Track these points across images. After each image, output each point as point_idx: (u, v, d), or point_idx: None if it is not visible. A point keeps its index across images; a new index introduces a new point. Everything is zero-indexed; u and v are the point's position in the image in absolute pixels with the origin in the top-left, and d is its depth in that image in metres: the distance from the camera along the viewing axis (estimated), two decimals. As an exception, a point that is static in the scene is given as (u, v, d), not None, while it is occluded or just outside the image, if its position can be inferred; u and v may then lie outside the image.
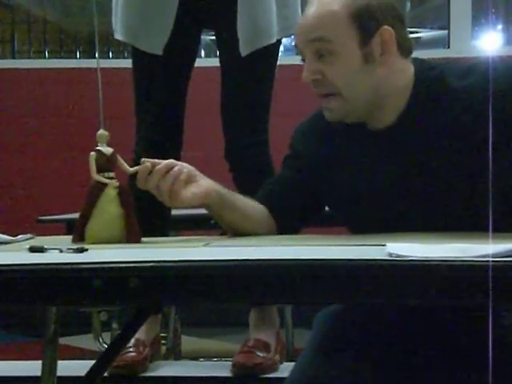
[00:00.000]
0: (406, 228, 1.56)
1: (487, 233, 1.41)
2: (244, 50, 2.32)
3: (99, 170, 1.58)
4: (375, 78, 1.59)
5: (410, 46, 1.63)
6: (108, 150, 1.59)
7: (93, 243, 1.53)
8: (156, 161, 1.59)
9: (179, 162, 1.61)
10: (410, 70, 1.63)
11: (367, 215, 1.64)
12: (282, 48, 2.54)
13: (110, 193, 1.58)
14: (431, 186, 1.59)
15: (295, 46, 1.65)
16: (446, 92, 1.59)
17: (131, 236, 1.57)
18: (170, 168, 1.58)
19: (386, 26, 1.57)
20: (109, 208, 1.57)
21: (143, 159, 1.59)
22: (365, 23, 1.57)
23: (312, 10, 1.61)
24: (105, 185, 1.57)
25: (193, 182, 1.60)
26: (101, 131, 1.60)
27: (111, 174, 1.59)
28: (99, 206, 1.58)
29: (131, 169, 1.62)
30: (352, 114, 1.61)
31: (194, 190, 1.59)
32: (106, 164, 1.58)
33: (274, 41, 2.36)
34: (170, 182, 1.57)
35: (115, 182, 1.58)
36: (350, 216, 1.70)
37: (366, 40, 1.57)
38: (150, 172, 1.59)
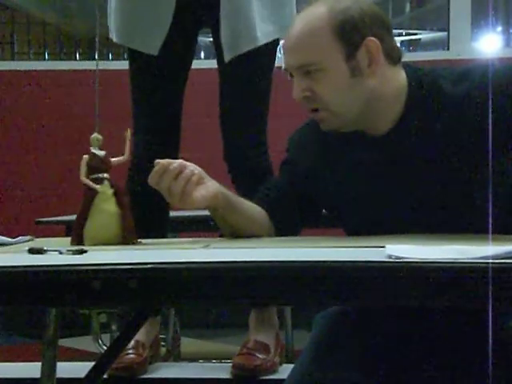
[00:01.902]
0: (403, 233, 1.56)
1: (486, 235, 1.41)
2: (226, 57, 2.33)
3: (93, 172, 1.58)
4: (365, 90, 1.58)
5: (399, 53, 1.62)
6: (101, 153, 1.60)
7: (92, 244, 1.54)
8: (170, 161, 1.59)
9: (189, 163, 1.61)
10: (402, 76, 1.62)
11: (365, 220, 1.64)
12: (280, 48, 2.54)
13: (106, 192, 1.58)
14: (429, 191, 1.58)
15: (284, 69, 1.64)
16: (441, 97, 1.58)
17: (127, 235, 1.57)
18: (182, 169, 1.58)
19: (370, 37, 1.56)
20: (106, 207, 1.57)
21: (157, 160, 1.59)
22: (348, 36, 1.56)
23: (294, 30, 1.60)
24: (99, 184, 1.58)
25: (201, 184, 1.60)
26: (94, 135, 1.61)
27: (105, 175, 1.59)
28: (96, 206, 1.58)
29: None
30: (345, 126, 1.61)
31: (203, 193, 1.59)
32: (100, 165, 1.59)
33: (257, 44, 2.35)
34: (183, 184, 1.57)
35: (105, 186, 1.58)
36: (348, 221, 1.70)
37: (351, 53, 1.56)
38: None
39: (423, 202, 1.59)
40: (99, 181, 1.58)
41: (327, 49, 1.56)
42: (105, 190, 1.58)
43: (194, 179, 1.57)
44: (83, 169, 1.58)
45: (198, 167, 1.62)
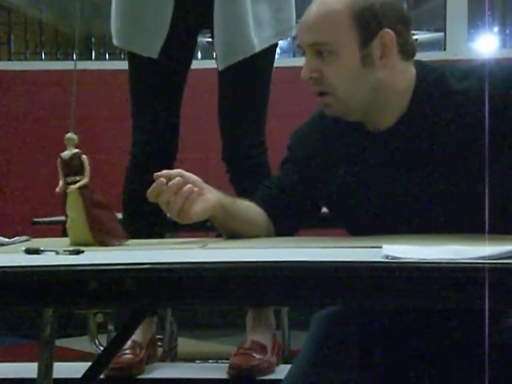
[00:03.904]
0: (404, 229, 1.56)
1: (483, 235, 1.41)
2: (219, 66, 2.34)
3: (66, 174, 1.57)
4: (374, 81, 1.59)
5: (413, 49, 1.63)
6: (66, 155, 1.57)
7: (72, 245, 1.53)
8: (169, 174, 1.58)
9: (188, 175, 1.59)
10: (412, 72, 1.62)
11: (366, 216, 1.64)
12: (278, 50, 2.54)
13: (70, 197, 1.56)
14: (430, 187, 1.59)
15: (298, 44, 1.65)
16: (447, 94, 1.59)
17: (95, 236, 1.55)
18: (181, 185, 1.57)
19: (387, 29, 1.57)
20: (70, 212, 1.57)
21: (156, 174, 1.58)
22: (366, 24, 1.57)
23: (313, 9, 1.61)
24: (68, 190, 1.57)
25: (201, 196, 1.60)
26: (68, 134, 1.59)
27: (74, 178, 1.56)
28: (67, 210, 1.58)
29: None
30: (349, 114, 1.62)
31: (202, 206, 1.58)
32: (67, 168, 1.56)
33: (255, 51, 2.35)
34: (181, 201, 1.56)
35: (70, 189, 1.56)
36: (348, 217, 1.70)
37: (366, 42, 1.57)
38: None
39: (423, 198, 1.59)
40: (69, 184, 1.57)
41: (343, 32, 1.57)
42: (69, 195, 1.57)
43: (192, 196, 1.57)
44: (59, 172, 1.58)
45: (197, 178, 1.61)
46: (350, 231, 1.71)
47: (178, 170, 1.60)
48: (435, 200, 1.59)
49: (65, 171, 1.57)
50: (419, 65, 1.64)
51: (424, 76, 1.62)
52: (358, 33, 1.57)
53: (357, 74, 1.58)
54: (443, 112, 1.58)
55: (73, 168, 1.57)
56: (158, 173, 1.58)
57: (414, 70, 1.63)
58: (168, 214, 1.64)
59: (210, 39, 2.50)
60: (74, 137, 1.58)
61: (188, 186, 1.57)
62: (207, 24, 2.44)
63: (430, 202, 1.59)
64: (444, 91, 1.59)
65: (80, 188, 1.56)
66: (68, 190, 1.56)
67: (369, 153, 1.64)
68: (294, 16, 2.44)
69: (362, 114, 1.62)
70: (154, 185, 1.57)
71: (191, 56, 2.50)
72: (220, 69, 2.34)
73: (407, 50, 1.61)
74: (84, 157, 1.57)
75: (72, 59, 5.15)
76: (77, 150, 1.57)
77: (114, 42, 2.47)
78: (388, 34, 1.57)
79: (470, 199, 1.56)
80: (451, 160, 1.57)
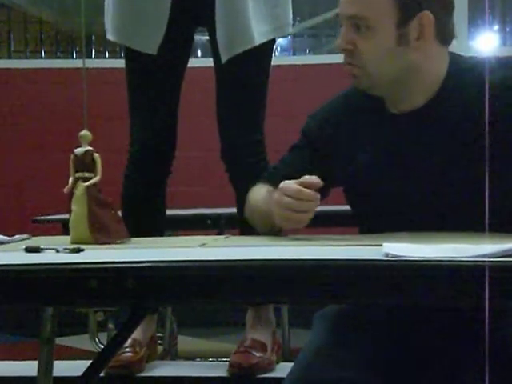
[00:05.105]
0: (418, 215, 1.57)
1: (491, 232, 1.41)
2: (223, 57, 2.34)
3: (76, 170, 1.59)
4: (406, 61, 1.60)
5: (451, 35, 1.64)
6: (80, 151, 1.59)
7: (73, 243, 1.53)
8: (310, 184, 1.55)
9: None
10: (445, 58, 1.64)
11: (382, 198, 1.64)
12: (278, 48, 2.54)
13: (76, 193, 1.58)
14: (449, 174, 1.59)
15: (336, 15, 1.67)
16: (478, 83, 1.59)
17: (94, 234, 1.56)
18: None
19: (426, 11, 1.58)
20: (74, 206, 1.58)
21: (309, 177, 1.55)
22: (406, 4, 1.58)
23: None
24: (77, 186, 1.58)
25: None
26: (83, 132, 1.61)
27: (83, 174, 1.58)
28: (72, 204, 1.59)
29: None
30: (375, 88, 1.63)
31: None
32: (79, 164, 1.59)
33: (254, 44, 2.35)
34: (304, 224, 1.56)
35: (79, 185, 1.58)
36: (364, 199, 1.69)
37: (404, 21, 1.58)
38: None
39: (442, 183, 1.59)
40: (78, 180, 1.58)
41: (382, 9, 1.58)
42: (77, 189, 1.58)
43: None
44: (71, 168, 1.60)
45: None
46: (365, 216, 1.70)
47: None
48: (453, 186, 1.59)
49: (76, 167, 1.59)
50: (453, 55, 1.66)
51: (457, 64, 1.63)
52: (398, 11, 1.58)
53: (390, 52, 1.59)
54: (473, 100, 1.58)
55: (84, 165, 1.59)
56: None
57: (447, 57, 1.64)
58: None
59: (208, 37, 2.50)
60: (88, 134, 1.61)
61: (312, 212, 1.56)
62: (204, 22, 2.44)
63: (447, 188, 1.59)
64: (475, 81, 1.60)
65: (88, 186, 1.57)
66: (77, 185, 1.57)
67: (390, 134, 1.64)
68: (291, 12, 2.44)
69: (387, 91, 1.63)
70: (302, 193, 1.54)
71: (188, 53, 2.50)
72: (223, 60, 2.34)
73: (445, 35, 1.62)
74: (96, 155, 1.60)
75: (72, 57, 5.16)
76: (90, 148, 1.60)
77: (111, 37, 2.45)
78: (427, 16, 1.58)
79: (490, 188, 1.55)
80: (474, 149, 1.57)
